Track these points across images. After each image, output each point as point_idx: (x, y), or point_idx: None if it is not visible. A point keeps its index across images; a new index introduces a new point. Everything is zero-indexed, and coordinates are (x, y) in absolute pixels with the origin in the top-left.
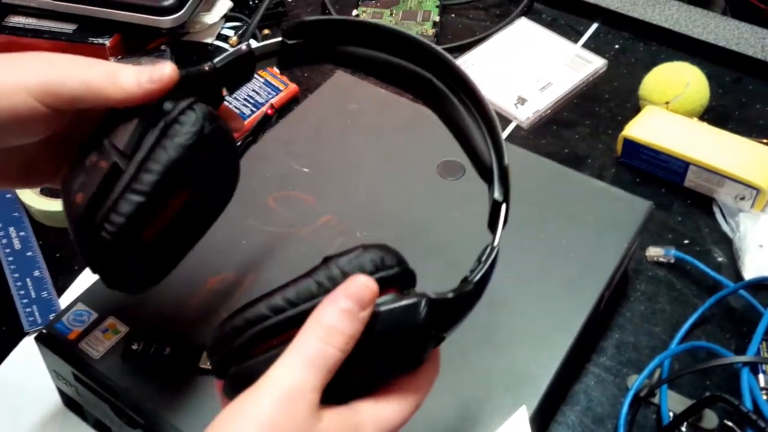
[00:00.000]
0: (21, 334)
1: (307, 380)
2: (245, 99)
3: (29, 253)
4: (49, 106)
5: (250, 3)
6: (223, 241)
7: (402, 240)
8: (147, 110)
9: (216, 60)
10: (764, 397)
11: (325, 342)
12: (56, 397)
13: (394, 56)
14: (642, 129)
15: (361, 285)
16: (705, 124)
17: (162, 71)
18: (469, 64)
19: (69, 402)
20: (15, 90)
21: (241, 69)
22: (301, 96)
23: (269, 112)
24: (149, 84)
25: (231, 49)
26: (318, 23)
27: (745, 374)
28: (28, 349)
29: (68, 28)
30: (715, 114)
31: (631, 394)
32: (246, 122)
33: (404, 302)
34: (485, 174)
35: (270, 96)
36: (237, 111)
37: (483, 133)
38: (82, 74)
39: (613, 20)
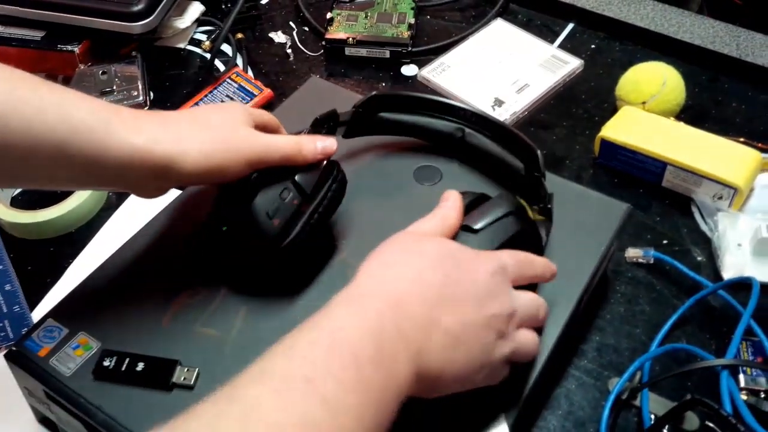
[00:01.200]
0: None
1: (423, 225)
2: None
3: (0, 267)
4: (253, 168)
5: (223, 7)
6: (196, 255)
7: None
8: (324, 166)
9: (319, 116)
10: (743, 398)
11: (437, 213)
12: (30, 415)
13: (439, 119)
14: (619, 130)
15: (451, 193)
16: (682, 124)
17: (331, 147)
18: (445, 66)
19: (43, 419)
20: (239, 162)
21: (330, 127)
22: (276, 101)
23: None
24: (321, 155)
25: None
26: (386, 96)
27: (725, 377)
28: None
29: (36, 35)
30: (691, 113)
31: (612, 397)
32: None
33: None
34: (519, 178)
35: (244, 101)
36: None
37: (512, 150)
38: (282, 149)
39: (589, 20)
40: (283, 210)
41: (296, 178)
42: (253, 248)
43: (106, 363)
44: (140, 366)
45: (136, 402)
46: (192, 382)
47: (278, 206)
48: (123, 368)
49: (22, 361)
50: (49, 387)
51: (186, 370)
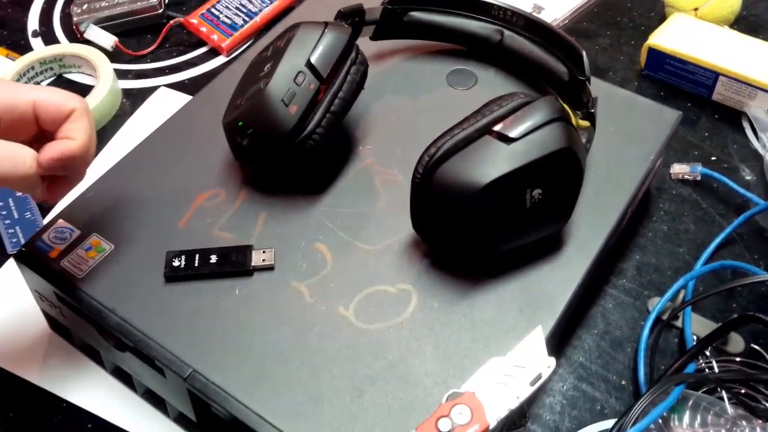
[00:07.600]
0: (4, 257)
1: None
2: (237, 8)
3: None
4: None
5: None
6: (215, 156)
7: (411, 152)
8: (342, 47)
9: (343, 9)
10: None
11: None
12: (42, 321)
13: (476, 20)
14: (668, 38)
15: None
16: (736, 33)
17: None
18: None
19: (55, 325)
20: None
21: (356, 23)
22: (298, 4)
23: None
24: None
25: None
26: None
27: None
28: (11, 272)
29: None
30: (746, 23)
31: (652, 316)
32: (238, 33)
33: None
34: (561, 84)
35: (264, 5)
36: (229, 21)
37: (555, 53)
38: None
39: None
40: (299, 95)
41: (311, 59)
42: (272, 140)
43: (176, 263)
44: (213, 258)
45: (153, 305)
46: (273, 262)
47: (294, 92)
48: (196, 264)
49: (33, 262)
50: (60, 289)
51: (263, 251)
